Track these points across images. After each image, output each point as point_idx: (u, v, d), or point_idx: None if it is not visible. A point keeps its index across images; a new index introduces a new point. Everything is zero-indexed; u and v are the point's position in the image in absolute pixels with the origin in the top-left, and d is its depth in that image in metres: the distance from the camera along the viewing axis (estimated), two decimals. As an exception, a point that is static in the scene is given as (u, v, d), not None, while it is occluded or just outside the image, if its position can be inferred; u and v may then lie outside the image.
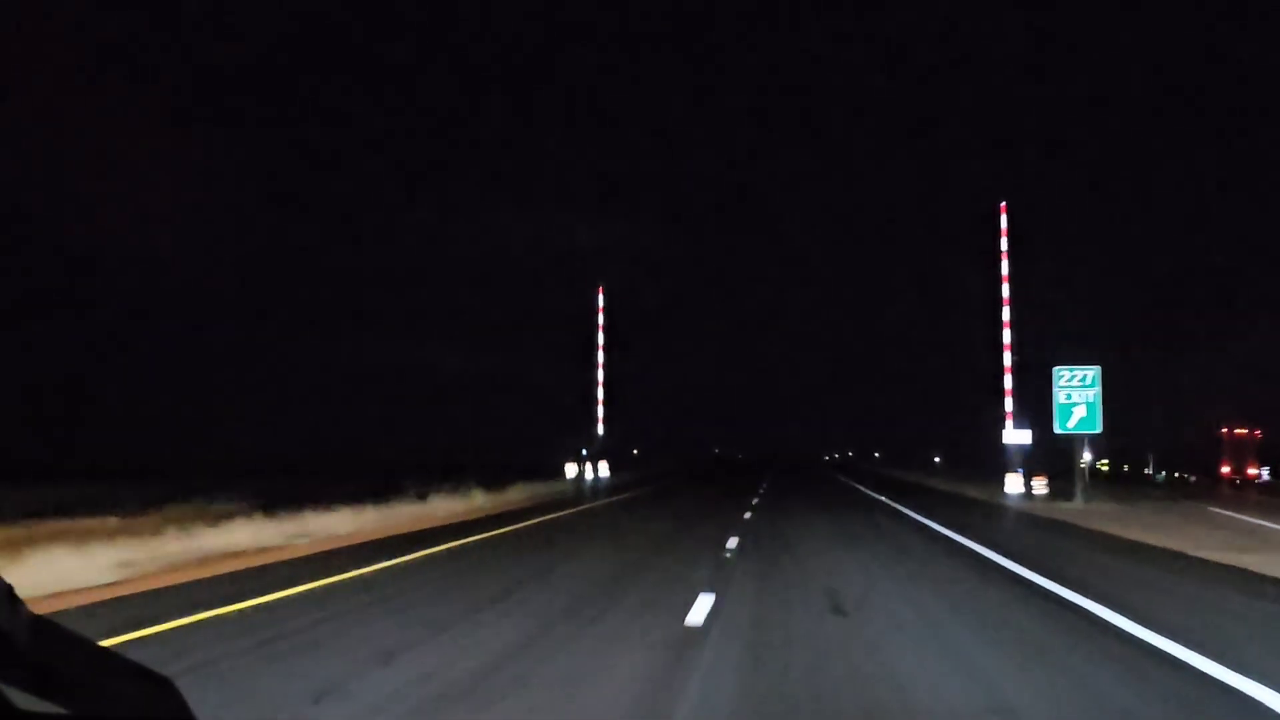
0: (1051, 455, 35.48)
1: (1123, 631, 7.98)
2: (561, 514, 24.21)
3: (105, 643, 5.86)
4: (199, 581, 10.73)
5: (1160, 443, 76.21)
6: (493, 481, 30.13)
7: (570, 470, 45.73)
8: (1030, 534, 20.18)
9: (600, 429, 52.98)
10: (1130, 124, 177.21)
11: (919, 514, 24.31)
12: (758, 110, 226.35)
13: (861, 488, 41.39)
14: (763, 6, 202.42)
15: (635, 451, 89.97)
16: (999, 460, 37.73)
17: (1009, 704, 5.58)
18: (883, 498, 32.55)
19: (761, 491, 35.60)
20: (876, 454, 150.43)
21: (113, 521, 16.25)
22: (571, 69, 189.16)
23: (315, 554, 13.86)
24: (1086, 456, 65.90)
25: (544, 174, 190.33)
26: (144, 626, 7.89)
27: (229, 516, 16.28)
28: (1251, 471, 60.74)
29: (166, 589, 10.14)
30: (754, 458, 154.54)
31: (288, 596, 9.68)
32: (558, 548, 15.58)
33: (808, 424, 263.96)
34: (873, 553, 14.66)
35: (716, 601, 9.26)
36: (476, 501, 26.13)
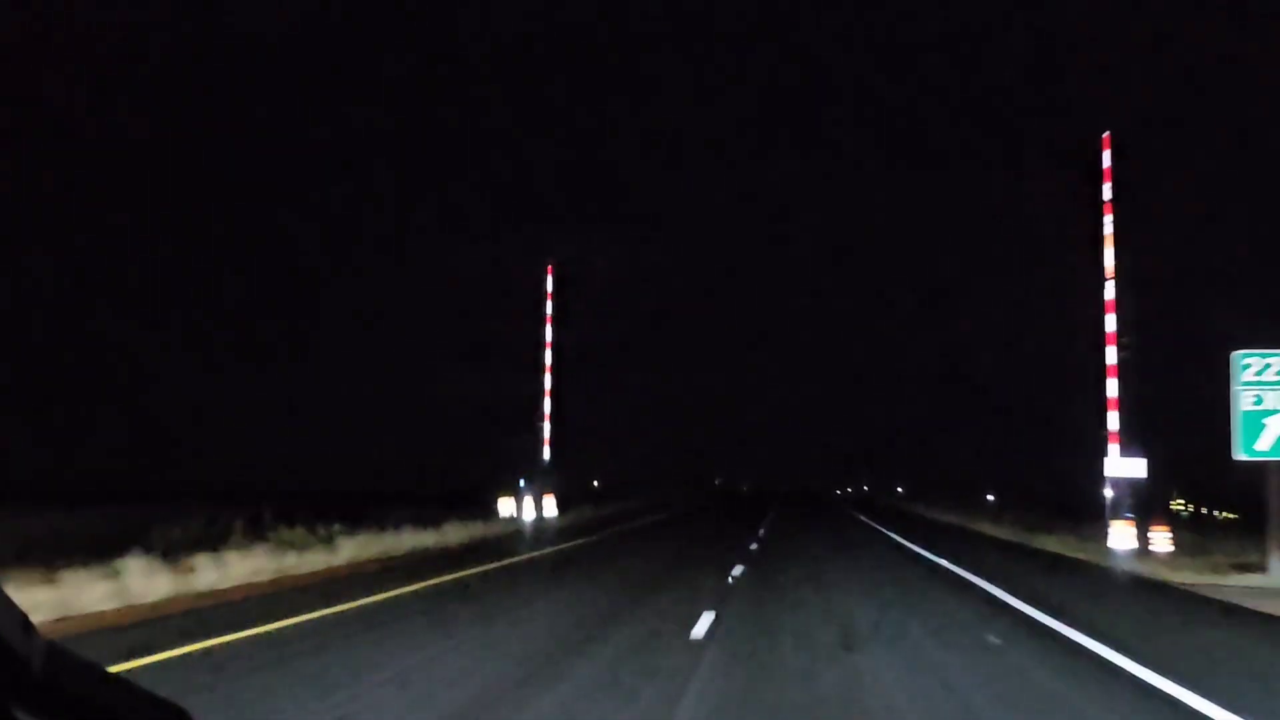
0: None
1: None
2: (403, 591, 13.88)
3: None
4: None
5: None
6: (384, 521, 22.26)
7: (505, 507, 34.70)
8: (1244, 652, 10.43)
9: (546, 453, 40.53)
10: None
11: (1017, 599, 13.69)
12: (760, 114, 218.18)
13: (893, 535, 31.19)
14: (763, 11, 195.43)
15: (595, 483, 73.59)
16: (1064, 499, 30.78)
17: None
18: (941, 560, 20.76)
19: (755, 544, 24.40)
20: (900, 489, 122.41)
21: None
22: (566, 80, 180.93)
23: None
24: (1123, 483, 56.66)
25: (539, 186, 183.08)
26: None
27: None
28: None
29: None
30: (759, 490, 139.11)
31: None
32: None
33: (819, 453, 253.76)
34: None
35: None
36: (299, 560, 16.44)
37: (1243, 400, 17.31)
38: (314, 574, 15.73)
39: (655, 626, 10.53)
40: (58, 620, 9.87)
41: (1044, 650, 9.60)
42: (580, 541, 25.82)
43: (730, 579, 15.78)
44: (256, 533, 18.26)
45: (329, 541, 18.30)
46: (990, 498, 64.69)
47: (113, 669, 2.74)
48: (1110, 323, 24.45)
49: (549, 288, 41.37)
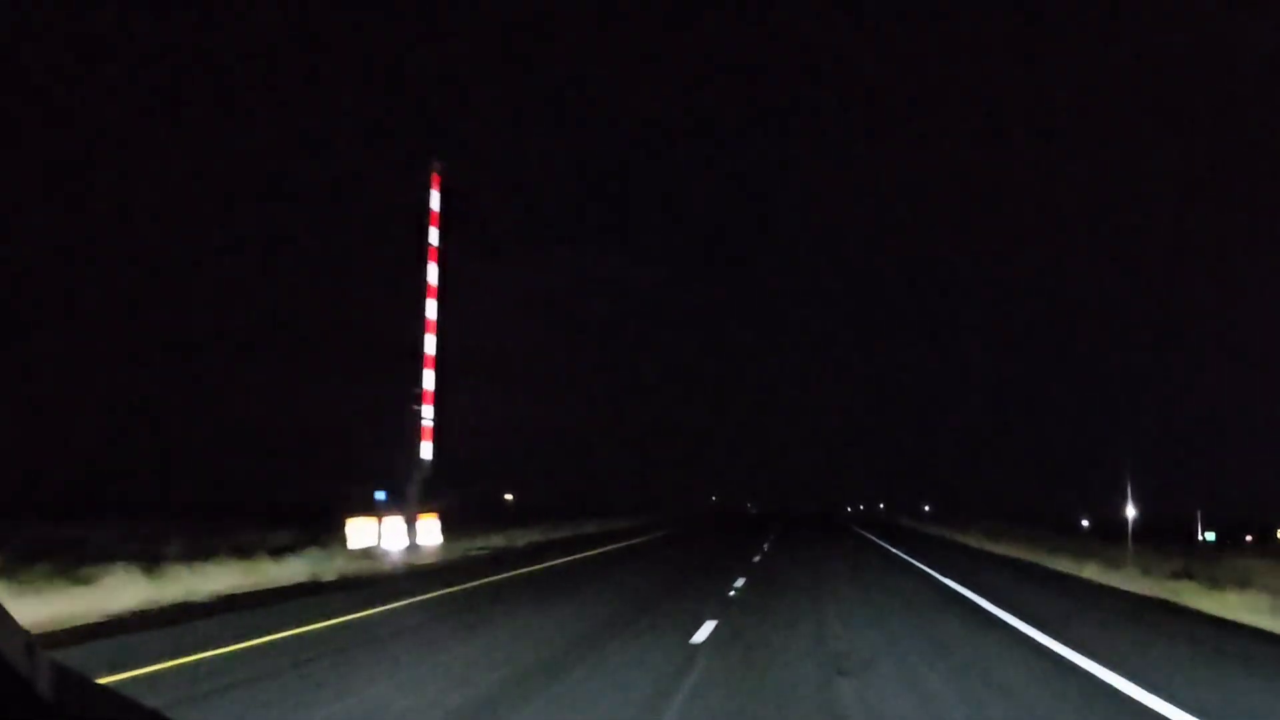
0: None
1: None
2: None
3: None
4: None
5: None
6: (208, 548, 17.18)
7: (358, 533, 22.68)
8: None
9: (427, 451, 27.03)
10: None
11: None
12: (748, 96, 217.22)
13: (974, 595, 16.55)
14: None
15: (509, 497, 58.99)
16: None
17: None
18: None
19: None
20: (927, 507, 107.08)
21: None
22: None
23: None
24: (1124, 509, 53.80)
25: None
26: None
27: None
28: None
29: None
30: (764, 511, 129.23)
31: None
32: None
33: (829, 469, 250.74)
34: None
35: None
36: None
37: None
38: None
39: None
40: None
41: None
42: (431, 595, 15.35)
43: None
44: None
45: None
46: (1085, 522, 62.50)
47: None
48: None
49: (433, 202, 26.72)
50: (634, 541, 36.10)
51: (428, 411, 27.25)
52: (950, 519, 66.67)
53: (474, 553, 25.96)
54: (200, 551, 16.59)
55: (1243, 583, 16.05)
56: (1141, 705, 7.46)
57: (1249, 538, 57.70)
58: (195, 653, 8.96)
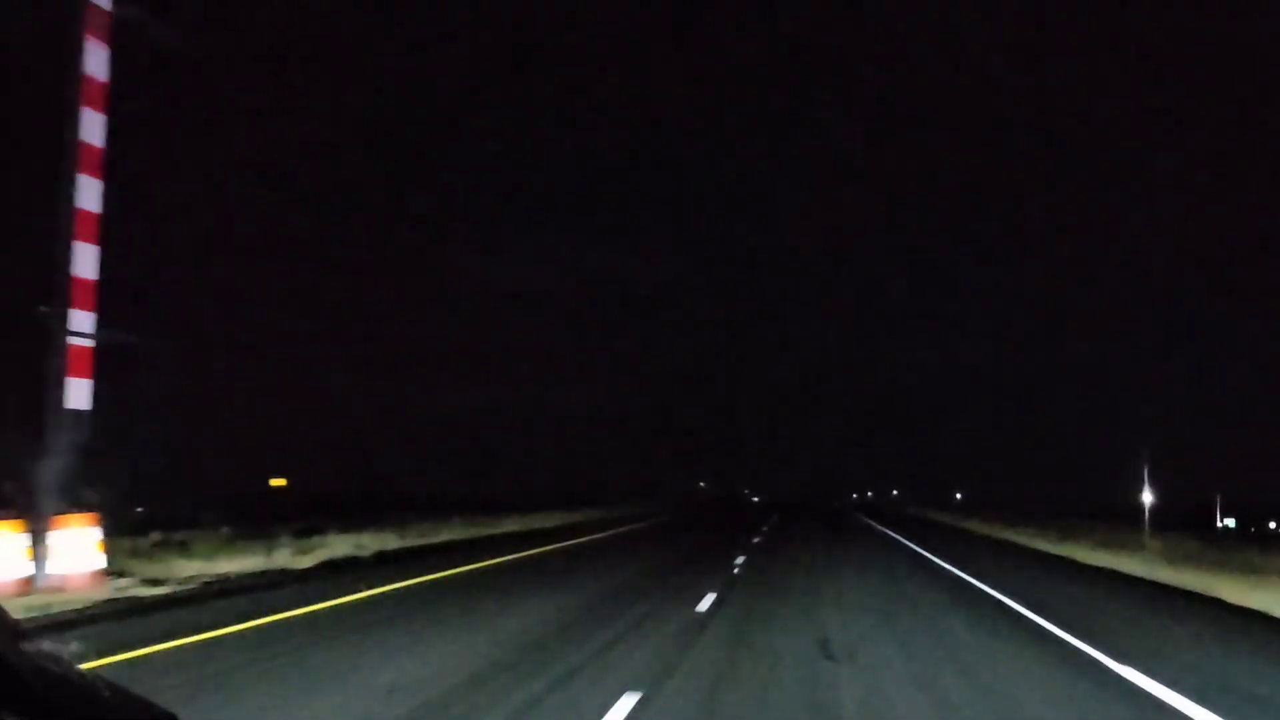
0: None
1: None
2: None
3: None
4: None
5: None
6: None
7: None
8: None
9: (76, 397, 13.15)
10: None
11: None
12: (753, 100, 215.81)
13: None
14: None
15: (279, 482, 37.34)
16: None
17: None
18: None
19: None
20: (959, 494, 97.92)
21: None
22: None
23: None
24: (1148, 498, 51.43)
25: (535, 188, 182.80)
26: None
27: None
28: None
29: None
30: (767, 499, 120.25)
31: None
32: None
33: (838, 458, 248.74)
34: None
35: None
36: None
37: None
38: None
39: None
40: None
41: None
42: None
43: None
44: None
45: None
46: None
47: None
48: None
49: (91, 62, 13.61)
50: (519, 556, 20.97)
51: (81, 321, 13.37)
52: (974, 510, 63.37)
53: (171, 591, 12.92)
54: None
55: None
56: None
57: (1273, 524, 55.78)
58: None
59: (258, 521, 23.19)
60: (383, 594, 13.23)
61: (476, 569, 17.64)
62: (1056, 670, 8.51)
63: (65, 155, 13.74)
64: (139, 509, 23.76)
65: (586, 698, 6.82)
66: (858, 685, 7.46)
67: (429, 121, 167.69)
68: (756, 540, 28.87)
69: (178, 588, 13.18)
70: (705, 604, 12.36)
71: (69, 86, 13.72)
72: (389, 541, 22.35)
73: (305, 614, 11.10)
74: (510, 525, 33.00)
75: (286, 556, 17.79)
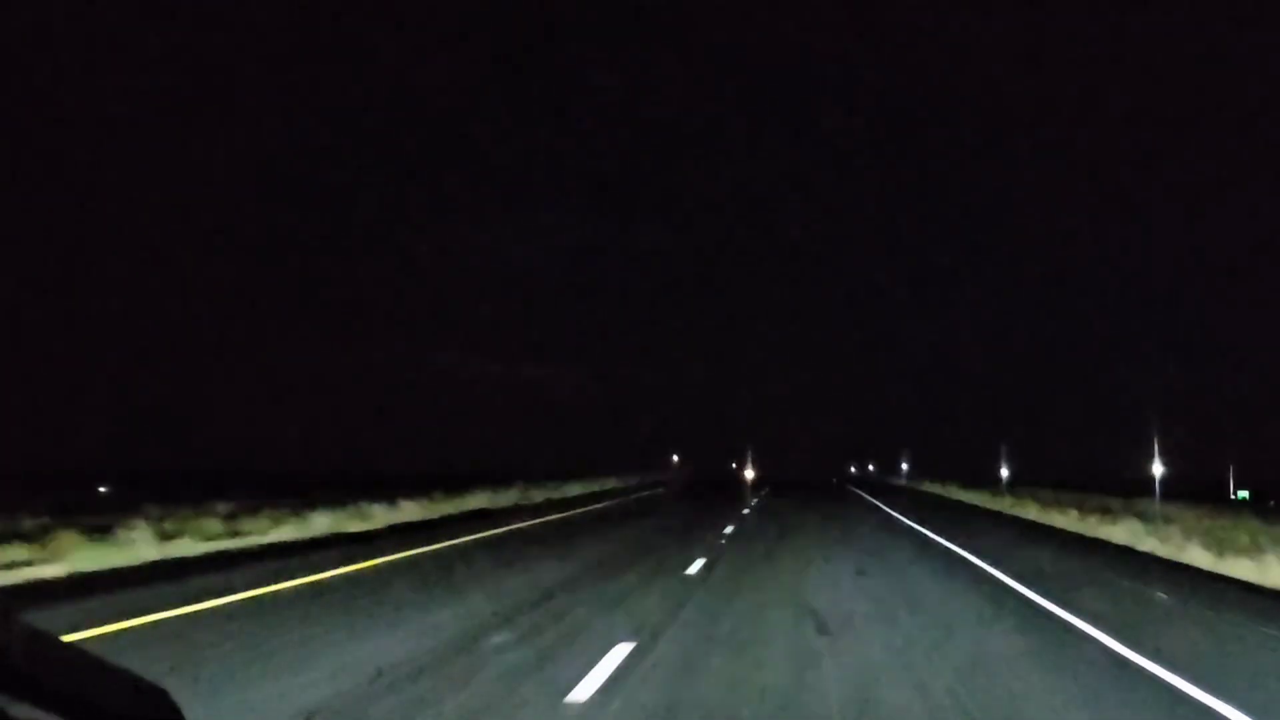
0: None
1: None
2: None
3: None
4: None
5: None
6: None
7: None
8: None
9: None
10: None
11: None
12: (756, 109, 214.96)
13: None
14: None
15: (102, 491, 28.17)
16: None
17: None
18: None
19: None
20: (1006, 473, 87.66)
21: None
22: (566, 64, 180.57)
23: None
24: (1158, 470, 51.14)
25: (536, 173, 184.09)
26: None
27: None
28: None
29: None
30: (760, 474, 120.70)
31: None
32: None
33: (831, 429, 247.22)
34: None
35: None
36: None
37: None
38: None
39: None
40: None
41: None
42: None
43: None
44: None
45: None
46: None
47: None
48: None
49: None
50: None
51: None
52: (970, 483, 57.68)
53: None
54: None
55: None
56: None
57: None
58: None
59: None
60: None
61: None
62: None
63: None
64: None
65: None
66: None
67: (426, 114, 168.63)
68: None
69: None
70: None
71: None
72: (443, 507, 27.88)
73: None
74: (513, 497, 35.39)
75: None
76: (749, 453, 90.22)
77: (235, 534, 17.17)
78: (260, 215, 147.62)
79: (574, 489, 46.00)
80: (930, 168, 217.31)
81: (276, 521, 19.02)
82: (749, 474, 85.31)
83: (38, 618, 6.77)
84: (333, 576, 12.34)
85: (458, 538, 18.95)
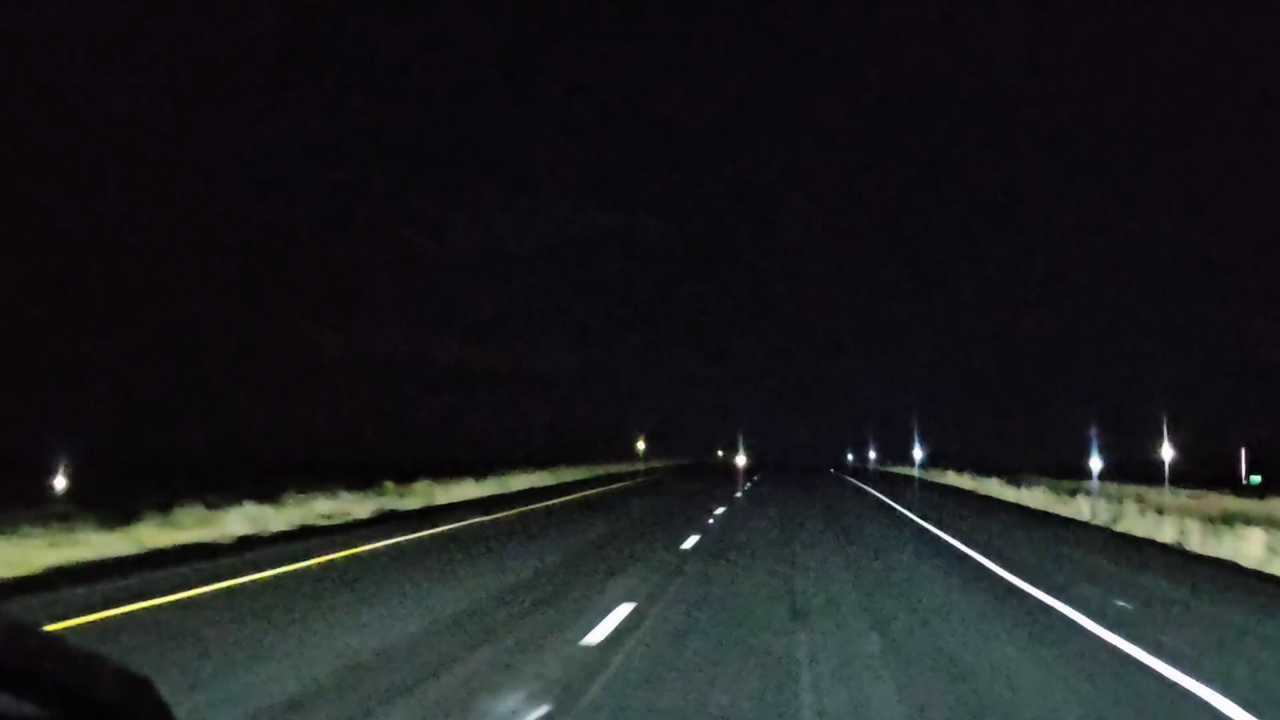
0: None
1: None
2: None
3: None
4: None
5: None
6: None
7: None
8: None
9: None
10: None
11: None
12: (755, 102, 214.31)
13: None
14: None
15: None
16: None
17: None
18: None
19: None
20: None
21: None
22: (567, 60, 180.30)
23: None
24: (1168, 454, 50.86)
25: (538, 165, 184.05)
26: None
27: None
28: None
29: None
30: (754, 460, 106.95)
31: None
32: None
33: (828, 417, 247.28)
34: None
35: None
36: None
37: None
38: None
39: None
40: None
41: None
42: None
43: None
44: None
45: None
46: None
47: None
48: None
49: None
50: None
51: None
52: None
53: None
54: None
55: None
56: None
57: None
58: None
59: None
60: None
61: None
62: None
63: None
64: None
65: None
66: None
67: (423, 106, 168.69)
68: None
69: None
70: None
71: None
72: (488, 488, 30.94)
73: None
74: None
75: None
76: (740, 439, 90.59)
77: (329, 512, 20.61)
78: (261, 209, 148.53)
79: (576, 474, 49.80)
80: (931, 163, 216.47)
81: (363, 499, 23.10)
82: (740, 460, 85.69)
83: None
84: (435, 534, 17.80)
85: (525, 505, 26.00)
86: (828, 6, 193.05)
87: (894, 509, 28.35)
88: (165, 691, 1.25)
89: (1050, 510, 28.19)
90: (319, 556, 13.50)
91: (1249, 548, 13.61)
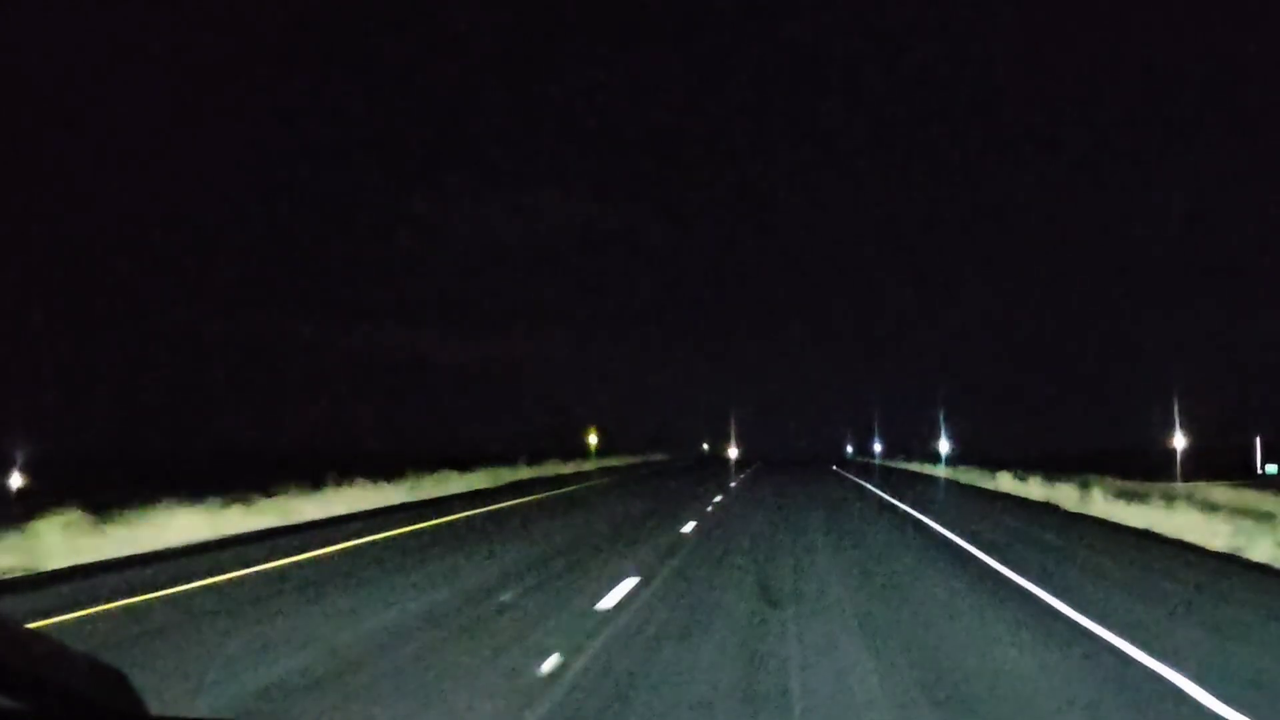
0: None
1: None
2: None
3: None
4: None
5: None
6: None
7: None
8: None
9: None
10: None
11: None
12: (756, 105, 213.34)
13: None
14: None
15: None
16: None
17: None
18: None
19: None
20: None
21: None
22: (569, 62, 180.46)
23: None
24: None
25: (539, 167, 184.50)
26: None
27: None
28: None
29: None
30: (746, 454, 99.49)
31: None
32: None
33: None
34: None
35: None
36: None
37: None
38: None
39: None
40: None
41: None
42: None
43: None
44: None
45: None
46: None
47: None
48: None
49: None
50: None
51: None
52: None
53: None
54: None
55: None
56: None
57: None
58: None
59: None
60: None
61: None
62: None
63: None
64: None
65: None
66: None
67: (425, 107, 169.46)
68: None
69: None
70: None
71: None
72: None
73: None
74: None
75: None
76: (731, 431, 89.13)
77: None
78: (258, 208, 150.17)
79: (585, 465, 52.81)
80: (932, 165, 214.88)
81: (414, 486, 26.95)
82: (732, 453, 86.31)
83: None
84: (477, 514, 21.33)
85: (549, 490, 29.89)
86: (828, 9, 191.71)
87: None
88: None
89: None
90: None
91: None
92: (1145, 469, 42.64)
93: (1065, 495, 25.55)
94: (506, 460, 41.90)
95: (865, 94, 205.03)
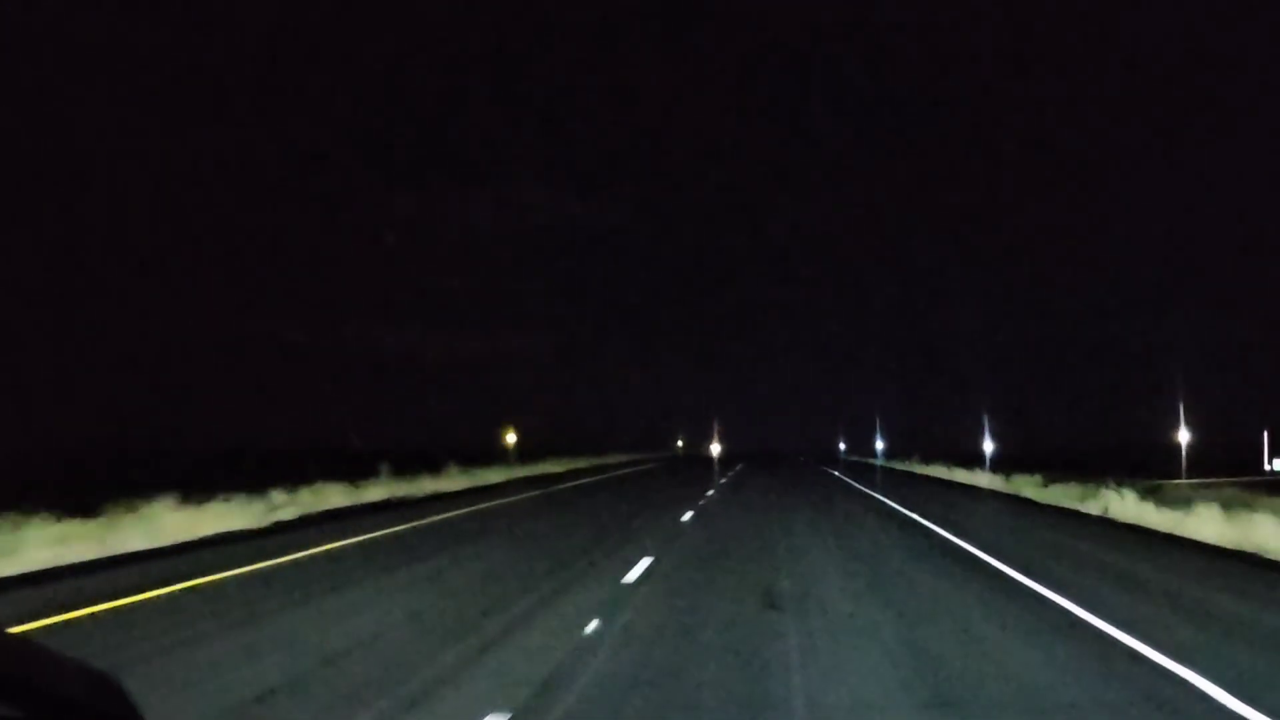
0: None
1: None
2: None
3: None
4: None
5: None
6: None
7: None
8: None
9: None
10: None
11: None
12: (741, 104, 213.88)
13: None
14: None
15: None
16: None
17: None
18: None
19: None
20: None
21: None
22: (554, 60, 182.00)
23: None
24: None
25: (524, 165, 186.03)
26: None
27: None
28: None
29: None
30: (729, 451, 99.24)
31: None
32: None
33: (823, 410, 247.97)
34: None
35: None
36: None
37: None
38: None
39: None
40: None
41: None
42: None
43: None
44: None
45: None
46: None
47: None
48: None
49: None
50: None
51: None
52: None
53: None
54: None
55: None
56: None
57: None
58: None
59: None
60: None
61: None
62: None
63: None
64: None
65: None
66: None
67: (408, 106, 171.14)
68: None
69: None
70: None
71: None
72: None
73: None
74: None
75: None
76: (715, 429, 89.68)
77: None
78: (243, 207, 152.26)
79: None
80: (917, 164, 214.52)
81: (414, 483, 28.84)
82: (715, 449, 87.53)
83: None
84: (496, 505, 23.62)
85: (560, 484, 32.97)
86: (814, 9, 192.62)
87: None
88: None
89: None
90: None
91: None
92: (1146, 467, 42.67)
93: (1115, 505, 21.11)
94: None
95: (851, 94, 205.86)
